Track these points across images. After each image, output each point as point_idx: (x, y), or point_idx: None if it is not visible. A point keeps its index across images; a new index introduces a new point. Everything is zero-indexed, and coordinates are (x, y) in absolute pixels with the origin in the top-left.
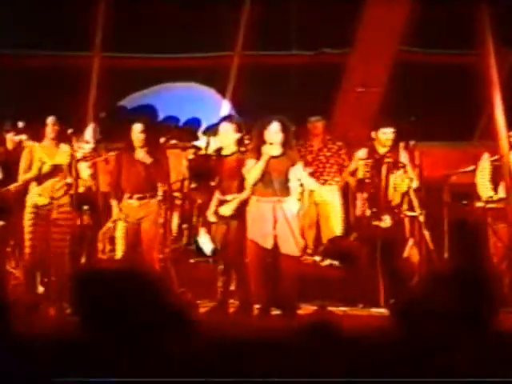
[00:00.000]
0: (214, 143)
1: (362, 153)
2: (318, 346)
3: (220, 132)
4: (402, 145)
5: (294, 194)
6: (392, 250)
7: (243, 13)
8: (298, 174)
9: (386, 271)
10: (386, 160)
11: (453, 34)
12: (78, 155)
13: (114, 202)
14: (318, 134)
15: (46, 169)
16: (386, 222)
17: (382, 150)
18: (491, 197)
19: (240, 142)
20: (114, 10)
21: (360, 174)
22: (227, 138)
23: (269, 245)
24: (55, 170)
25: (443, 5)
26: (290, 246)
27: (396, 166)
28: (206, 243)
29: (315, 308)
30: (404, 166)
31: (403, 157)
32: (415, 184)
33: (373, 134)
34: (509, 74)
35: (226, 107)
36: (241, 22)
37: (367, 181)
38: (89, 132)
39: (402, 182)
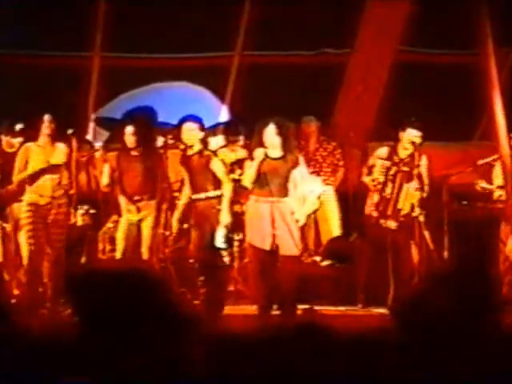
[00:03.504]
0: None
1: (382, 151)
2: (307, 347)
3: (183, 131)
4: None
5: (291, 195)
6: (399, 251)
7: (243, 13)
8: (298, 177)
9: (394, 271)
10: (403, 168)
11: (453, 34)
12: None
13: (113, 203)
14: (312, 134)
15: (41, 168)
16: (392, 224)
17: (403, 153)
18: (501, 195)
19: (204, 141)
20: (113, 10)
21: (375, 174)
22: (191, 137)
23: (267, 245)
24: (51, 169)
25: (443, 5)
26: (289, 246)
27: (411, 176)
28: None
29: (304, 308)
30: (420, 177)
31: (422, 164)
32: (426, 193)
33: (400, 135)
34: (509, 74)
35: (220, 106)
36: (241, 22)
37: (378, 185)
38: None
39: (414, 192)
